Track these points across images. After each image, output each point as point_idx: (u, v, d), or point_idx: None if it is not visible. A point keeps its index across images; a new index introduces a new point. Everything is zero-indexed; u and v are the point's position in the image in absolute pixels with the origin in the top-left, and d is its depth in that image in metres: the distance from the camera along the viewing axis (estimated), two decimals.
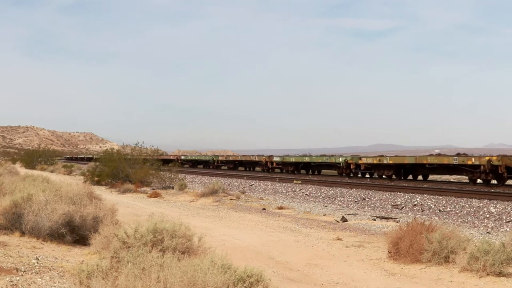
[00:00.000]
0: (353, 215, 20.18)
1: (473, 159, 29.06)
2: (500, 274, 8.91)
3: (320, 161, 43.51)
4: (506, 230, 15.93)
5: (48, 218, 10.42)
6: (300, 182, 34.06)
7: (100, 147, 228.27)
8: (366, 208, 22.64)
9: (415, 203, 22.16)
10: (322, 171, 46.15)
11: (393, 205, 22.49)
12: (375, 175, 37.09)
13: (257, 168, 56.55)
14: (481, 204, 19.98)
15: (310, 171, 46.26)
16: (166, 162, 63.07)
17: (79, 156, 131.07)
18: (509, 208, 18.75)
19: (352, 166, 38.26)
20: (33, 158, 79.61)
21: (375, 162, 36.04)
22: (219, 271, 6.10)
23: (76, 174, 50.72)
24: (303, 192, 28.85)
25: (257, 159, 53.60)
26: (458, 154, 31.67)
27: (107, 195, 24.59)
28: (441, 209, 20.55)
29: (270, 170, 50.29)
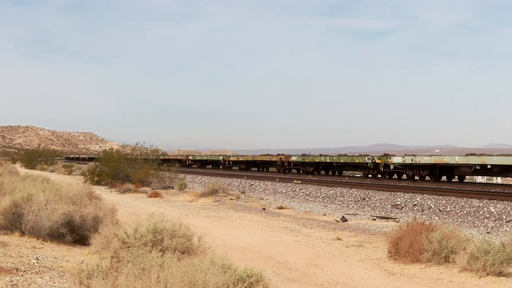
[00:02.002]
0: (353, 215, 20.18)
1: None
2: (500, 274, 8.92)
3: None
4: (506, 230, 15.93)
5: (48, 218, 10.42)
6: (300, 182, 34.06)
7: (100, 147, 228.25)
8: (366, 208, 22.64)
9: (415, 203, 22.16)
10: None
11: (393, 205, 22.50)
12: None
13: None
14: (481, 204, 19.98)
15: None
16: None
17: (77, 156, 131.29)
18: (509, 208, 18.75)
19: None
20: (33, 158, 79.61)
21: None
22: (219, 271, 6.10)
23: (76, 174, 50.72)
24: (303, 192, 28.85)
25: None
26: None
27: (107, 195, 24.59)
28: (441, 209, 20.55)
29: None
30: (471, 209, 19.65)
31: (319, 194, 27.58)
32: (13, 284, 6.79)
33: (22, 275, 7.28)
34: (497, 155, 29.49)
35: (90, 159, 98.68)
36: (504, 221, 17.42)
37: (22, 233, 10.55)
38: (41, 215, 10.46)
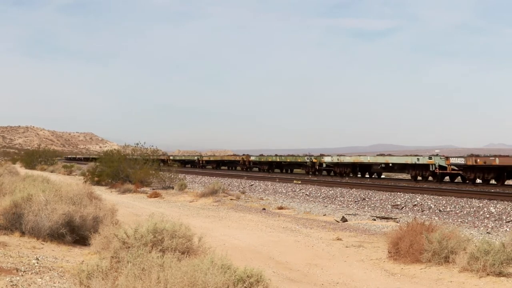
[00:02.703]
0: (353, 215, 20.18)
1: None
2: (500, 274, 8.91)
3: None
4: (506, 230, 15.93)
5: (48, 218, 10.42)
6: (300, 182, 34.06)
7: (100, 147, 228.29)
8: (366, 208, 22.64)
9: (415, 203, 22.16)
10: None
11: (393, 205, 22.50)
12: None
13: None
14: (481, 204, 19.98)
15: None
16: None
17: (75, 157, 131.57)
18: (509, 208, 18.75)
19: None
20: (33, 158, 79.58)
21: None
22: (219, 271, 6.11)
23: (76, 174, 50.72)
24: (303, 192, 28.85)
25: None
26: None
27: (107, 195, 24.59)
28: (441, 209, 20.55)
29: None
30: (471, 209, 19.64)
31: (319, 194, 27.57)
32: (13, 284, 6.79)
33: (22, 275, 7.28)
34: (396, 156, 36.00)
35: (86, 159, 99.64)
36: (504, 221, 17.42)
37: (22, 233, 10.55)
38: (41, 215, 10.46)
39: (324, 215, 20.24)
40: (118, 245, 7.81)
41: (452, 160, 31.03)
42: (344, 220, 18.17)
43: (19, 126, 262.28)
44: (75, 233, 10.81)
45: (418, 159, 33.26)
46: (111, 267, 6.78)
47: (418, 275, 9.64)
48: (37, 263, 8.21)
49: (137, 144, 41.63)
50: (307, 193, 28.43)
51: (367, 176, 38.99)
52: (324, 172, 43.32)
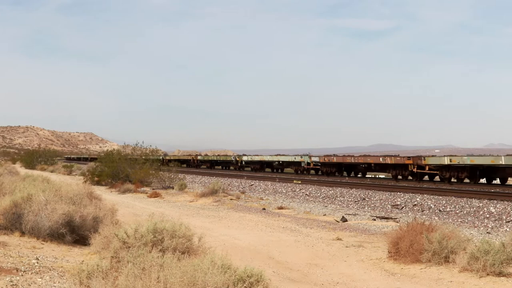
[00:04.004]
0: (353, 215, 20.18)
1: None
2: (500, 274, 8.92)
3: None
4: (506, 230, 15.93)
5: (48, 218, 10.42)
6: (300, 182, 34.07)
7: (100, 147, 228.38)
8: (366, 208, 22.64)
9: (415, 203, 22.16)
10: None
11: (393, 205, 22.50)
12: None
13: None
14: (481, 204, 19.98)
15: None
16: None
17: (74, 157, 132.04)
18: (509, 208, 18.75)
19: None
20: (33, 158, 79.61)
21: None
22: (219, 271, 6.11)
23: (76, 174, 50.73)
24: (303, 192, 28.85)
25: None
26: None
27: (107, 195, 24.60)
28: (441, 209, 20.55)
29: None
30: (471, 209, 19.64)
31: (319, 194, 27.57)
32: (13, 284, 6.79)
33: (22, 275, 7.28)
34: (286, 155, 49.49)
35: (85, 159, 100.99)
36: (504, 221, 17.42)
37: (22, 233, 10.55)
38: (41, 215, 10.46)
39: (324, 215, 20.24)
40: (118, 245, 7.81)
41: (313, 159, 43.55)
42: (344, 220, 18.17)
43: (19, 126, 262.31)
44: (75, 233, 10.81)
45: (295, 158, 46.39)
46: (111, 267, 6.78)
47: (418, 275, 9.64)
48: (37, 263, 8.21)
49: (137, 144, 41.70)
50: (307, 193, 28.43)
51: (269, 170, 52.64)
52: (248, 168, 55.70)
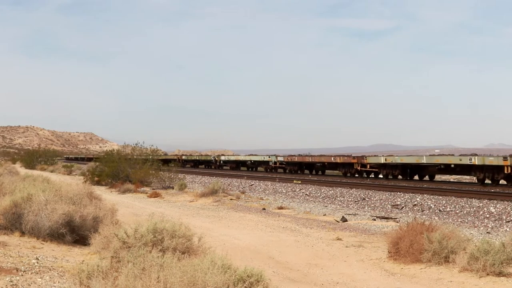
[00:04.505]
0: (353, 215, 20.19)
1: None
2: (500, 274, 8.92)
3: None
4: (506, 230, 15.93)
5: (48, 218, 10.42)
6: (300, 182, 34.07)
7: (100, 147, 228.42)
8: (366, 208, 22.64)
9: (415, 203, 22.17)
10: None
11: (393, 205, 22.50)
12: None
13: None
14: (481, 204, 19.98)
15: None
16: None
17: (73, 157, 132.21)
18: (509, 208, 18.75)
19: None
20: (33, 158, 79.62)
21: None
22: (219, 271, 6.11)
23: (76, 174, 50.74)
24: (303, 192, 28.85)
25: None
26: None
27: (107, 195, 24.60)
28: (441, 209, 20.55)
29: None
30: (471, 209, 19.65)
31: (319, 194, 27.58)
32: (13, 284, 6.79)
33: (22, 275, 7.28)
34: (257, 155, 54.69)
35: (82, 159, 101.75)
36: (504, 221, 17.42)
37: (22, 233, 10.55)
38: (41, 215, 10.46)
39: (324, 215, 20.24)
40: (118, 245, 7.81)
41: (279, 159, 48.72)
42: (344, 220, 18.17)
43: (19, 126, 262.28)
44: (75, 233, 10.81)
45: (264, 158, 51.61)
46: (111, 267, 6.78)
47: (418, 275, 9.64)
48: (37, 263, 8.22)
49: (137, 143, 41.73)
50: (307, 193, 28.43)
51: (244, 168, 56.44)
52: (226, 167, 59.89)
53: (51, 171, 59.37)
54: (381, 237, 13.37)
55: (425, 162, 32.25)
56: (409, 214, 20.27)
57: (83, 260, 8.62)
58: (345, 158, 39.80)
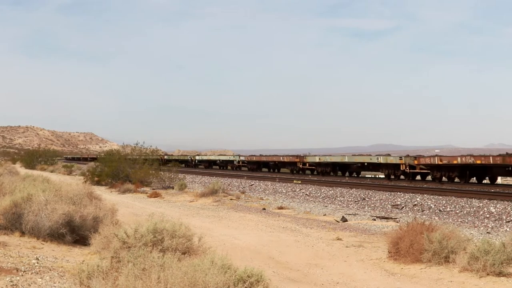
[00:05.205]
0: (353, 215, 20.18)
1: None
2: (500, 274, 8.92)
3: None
4: (506, 230, 15.93)
5: (48, 218, 10.42)
6: (300, 182, 34.07)
7: (100, 147, 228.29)
8: (366, 208, 22.64)
9: (415, 203, 22.17)
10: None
11: (393, 205, 22.50)
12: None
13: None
14: (481, 204, 19.98)
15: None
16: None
17: (71, 157, 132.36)
18: (509, 208, 18.75)
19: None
20: (33, 158, 79.61)
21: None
22: (219, 271, 6.11)
23: (76, 174, 50.74)
24: (303, 192, 28.85)
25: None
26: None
27: (107, 195, 24.60)
28: (441, 209, 20.55)
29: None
30: (471, 209, 19.65)
31: (319, 194, 27.58)
32: (13, 284, 6.79)
33: (22, 275, 7.28)
34: (224, 155, 64.11)
35: (78, 159, 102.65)
36: (504, 221, 17.42)
37: (22, 233, 10.55)
38: (41, 215, 10.46)
39: (324, 215, 20.24)
40: (118, 245, 7.81)
41: (241, 158, 55.10)
42: (344, 220, 18.17)
43: (19, 126, 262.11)
44: (75, 233, 10.81)
45: (230, 157, 58.61)
46: (111, 267, 6.78)
47: (418, 275, 9.64)
48: (37, 263, 8.22)
49: (136, 144, 41.75)
50: (307, 193, 28.44)
51: (216, 167, 61.75)
52: (201, 166, 64.97)
53: (51, 171, 59.37)
54: (381, 237, 13.37)
55: (347, 161, 39.42)
56: (409, 214, 20.27)
57: (83, 260, 8.61)
58: (291, 157, 46.54)
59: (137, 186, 30.97)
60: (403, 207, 21.93)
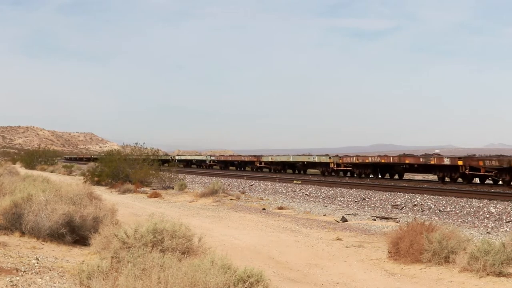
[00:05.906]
0: (353, 215, 20.18)
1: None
2: (500, 274, 8.92)
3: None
4: (506, 230, 15.93)
5: (48, 218, 10.42)
6: (300, 182, 34.07)
7: (100, 147, 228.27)
8: (366, 208, 22.64)
9: (415, 203, 22.17)
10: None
11: (393, 205, 22.50)
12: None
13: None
14: (481, 204, 19.98)
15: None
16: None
17: (69, 157, 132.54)
18: (509, 208, 18.75)
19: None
20: (33, 158, 79.57)
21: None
22: (219, 272, 6.11)
23: (76, 174, 50.74)
24: (303, 192, 28.85)
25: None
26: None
27: (107, 195, 24.60)
28: (441, 209, 20.55)
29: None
30: (471, 209, 19.65)
31: (319, 194, 27.58)
32: (13, 284, 6.79)
33: (22, 275, 7.28)
34: (200, 155, 71.42)
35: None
36: (504, 221, 17.42)
37: (22, 233, 10.55)
38: (41, 215, 10.46)
39: (324, 215, 20.24)
40: (118, 245, 7.81)
41: (212, 158, 61.67)
42: (344, 220, 18.17)
43: (19, 126, 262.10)
44: (75, 233, 10.81)
45: (203, 157, 65.66)
46: (111, 267, 6.78)
47: (418, 275, 9.64)
48: (37, 263, 8.22)
49: (136, 144, 41.79)
50: (307, 193, 28.43)
51: (194, 166, 67.20)
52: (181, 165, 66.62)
53: (51, 171, 59.36)
54: (381, 237, 13.37)
55: (292, 160, 46.18)
56: (409, 214, 20.27)
57: (83, 260, 8.61)
58: (250, 157, 53.94)
59: (137, 186, 30.97)
60: (403, 207, 21.93)
